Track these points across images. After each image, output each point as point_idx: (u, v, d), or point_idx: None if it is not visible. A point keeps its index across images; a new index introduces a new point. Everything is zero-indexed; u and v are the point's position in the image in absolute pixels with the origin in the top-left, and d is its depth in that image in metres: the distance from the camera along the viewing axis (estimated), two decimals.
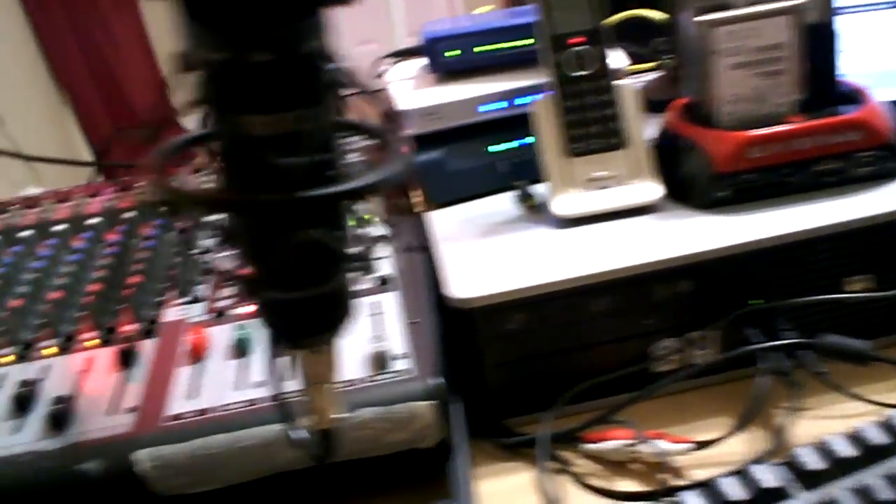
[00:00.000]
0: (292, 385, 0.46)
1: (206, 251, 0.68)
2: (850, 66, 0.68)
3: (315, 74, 0.31)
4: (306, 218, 0.32)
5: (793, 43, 0.62)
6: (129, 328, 0.60)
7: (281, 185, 0.30)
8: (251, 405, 0.50)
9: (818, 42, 0.65)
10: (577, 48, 0.62)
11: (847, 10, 0.77)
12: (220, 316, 0.59)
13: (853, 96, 0.66)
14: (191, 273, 0.65)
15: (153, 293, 0.63)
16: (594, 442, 0.56)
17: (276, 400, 0.40)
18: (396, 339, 0.54)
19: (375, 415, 0.48)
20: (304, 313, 0.35)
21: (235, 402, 0.50)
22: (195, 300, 0.62)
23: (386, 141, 0.35)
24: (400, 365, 0.51)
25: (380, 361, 0.51)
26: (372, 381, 0.50)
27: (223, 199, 0.32)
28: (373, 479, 0.52)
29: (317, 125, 0.31)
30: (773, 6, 0.61)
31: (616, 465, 0.55)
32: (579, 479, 0.53)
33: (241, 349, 0.55)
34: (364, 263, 0.36)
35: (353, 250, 0.34)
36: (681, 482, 0.53)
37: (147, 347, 0.57)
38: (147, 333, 0.59)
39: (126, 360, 0.56)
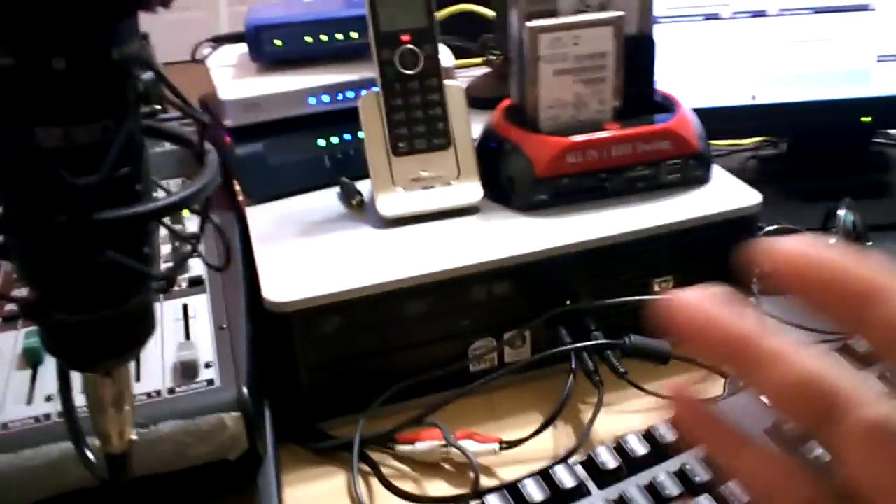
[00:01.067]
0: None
1: None
2: (665, 76, 0.72)
3: (122, 83, 0.28)
4: (105, 239, 0.30)
5: (614, 52, 0.64)
6: None
7: (76, 205, 0.28)
8: (40, 421, 0.47)
9: (637, 52, 0.67)
10: (406, 46, 0.62)
11: (664, 20, 0.81)
12: (4, 321, 0.55)
13: (667, 105, 0.69)
14: None
15: None
16: (406, 444, 0.56)
17: (67, 418, 0.37)
18: (205, 346, 0.52)
19: (177, 428, 0.46)
20: (96, 336, 0.33)
21: (22, 418, 0.47)
22: None
23: (197, 151, 0.33)
24: (206, 374, 0.49)
25: (187, 370, 0.49)
26: (176, 392, 0.48)
27: (7, 220, 0.29)
28: (179, 492, 0.50)
29: (122, 137, 0.29)
30: (597, 16, 0.62)
31: (428, 466, 0.56)
32: (388, 484, 0.54)
33: (30, 359, 0.51)
34: (172, 280, 0.33)
35: (164, 265, 0.32)
36: (489, 482, 0.54)
37: None
38: None
39: None
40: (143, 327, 0.34)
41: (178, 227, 0.62)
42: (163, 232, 0.36)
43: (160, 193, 0.32)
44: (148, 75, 0.28)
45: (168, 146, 0.76)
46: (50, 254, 0.29)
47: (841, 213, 0.78)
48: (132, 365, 0.49)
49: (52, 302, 0.31)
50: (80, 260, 0.29)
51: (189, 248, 0.34)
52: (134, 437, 0.37)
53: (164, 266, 0.51)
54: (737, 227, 0.65)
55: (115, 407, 0.36)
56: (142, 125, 0.30)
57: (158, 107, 0.35)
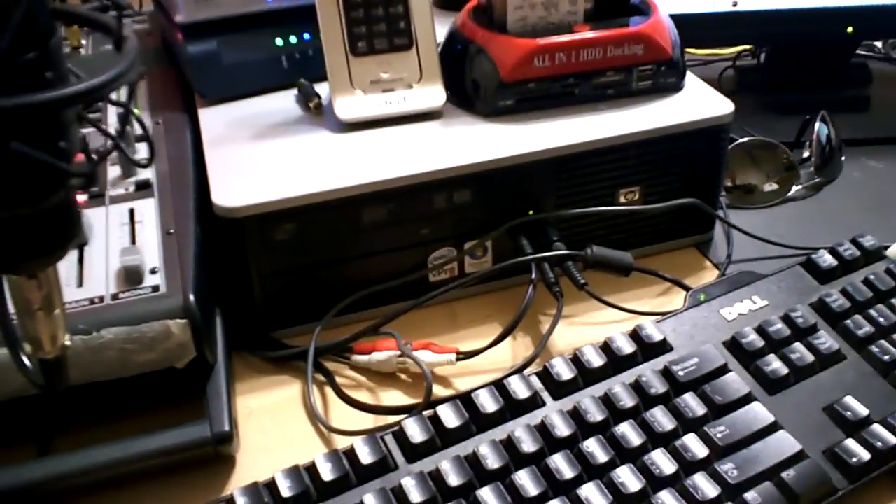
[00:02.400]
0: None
1: None
2: None
3: None
4: (9, 130, 0.27)
5: None
6: None
7: None
8: None
9: None
10: None
11: None
12: None
13: (643, 9, 0.66)
14: None
15: None
16: (363, 353, 0.55)
17: (1, 322, 0.36)
18: (151, 252, 0.50)
19: (121, 335, 0.45)
20: (13, 236, 0.31)
21: None
22: None
23: (112, 33, 0.31)
24: (151, 280, 0.48)
25: (131, 276, 0.48)
26: (120, 299, 0.47)
27: None
28: (127, 399, 0.49)
29: (16, 18, 0.26)
30: None
31: (384, 376, 0.55)
32: (341, 394, 0.53)
33: None
34: (92, 176, 0.31)
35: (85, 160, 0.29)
36: (445, 393, 0.54)
37: None
38: None
39: None
40: (65, 227, 0.32)
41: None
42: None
43: None
44: None
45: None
46: None
47: (816, 126, 0.76)
48: (72, 271, 0.48)
49: None
50: None
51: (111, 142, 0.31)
52: (67, 342, 0.36)
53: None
54: (707, 137, 0.63)
55: (44, 310, 0.34)
56: (49, 8, 0.28)
57: None
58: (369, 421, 0.52)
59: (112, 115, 0.62)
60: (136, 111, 0.63)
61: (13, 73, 0.27)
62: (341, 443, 0.50)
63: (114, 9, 0.30)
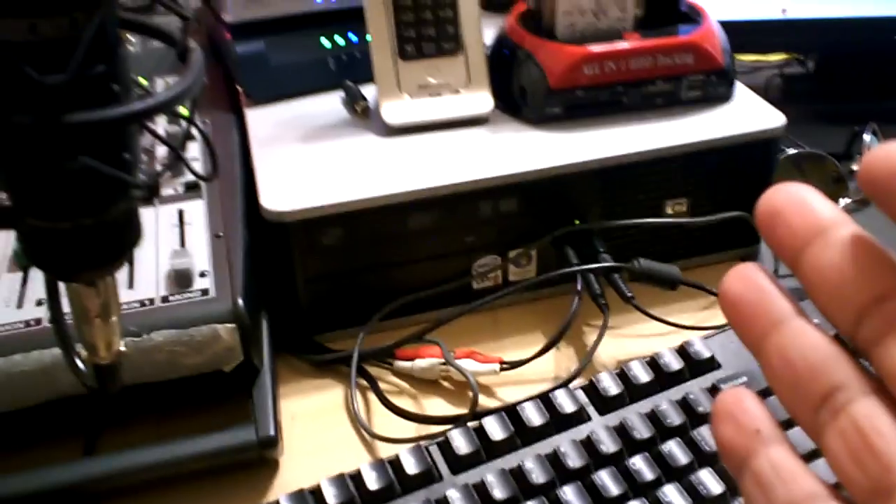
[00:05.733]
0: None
1: None
2: None
3: None
4: (78, 143, 0.27)
5: None
6: None
7: (43, 106, 0.25)
8: (30, 326, 0.45)
9: None
10: None
11: None
12: None
13: (692, 16, 0.65)
14: None
15: None
16: (406, 360, 0.55)
17: (55, 327, 0.36)
18: (200, 254, 0.50)
19: (171, 338, 0.45)
20: (74, 246, 0.31)
21: (13, 322, 0.46)
22: None
23: (177, 45, 0.31)
24: (200, 283, 0.48)
25: (181, 279, 0.48)
26: (169, 301, 0.47)
27: None
28: (174, 400, 0.49)
29: (91, 31, 0.26)
30: None
31: (427, 383, 0.55)
32: (385, 401, 0.53)
33: (21, 261, 0.49)
34: (155, 188, 0.31)
35: (147, 171, 0.29)
36: (488, 403, 0.53)
37: None
38: None
39: None
40: (125, 237, 0.32)
41: (175, 128, 0.59)
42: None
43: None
44: None
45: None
46: (17, 157, 0.27)
47: (866, 138, 0.75)
48: (123, 273, 0.48)
49: (26, 207, 0.29)
50: (51, 165, 0.27)
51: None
52: (122, 348, 0.36)
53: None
54: (757, 149, 0.62)
55: (101, 317, 0.34)
56: (117, 19, 0.27)
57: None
58: (411, 428, 0.52)
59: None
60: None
61: (82, 86, 0.26)
62: (383, 449, 0.50)
63: (179, 18, 0.30)
